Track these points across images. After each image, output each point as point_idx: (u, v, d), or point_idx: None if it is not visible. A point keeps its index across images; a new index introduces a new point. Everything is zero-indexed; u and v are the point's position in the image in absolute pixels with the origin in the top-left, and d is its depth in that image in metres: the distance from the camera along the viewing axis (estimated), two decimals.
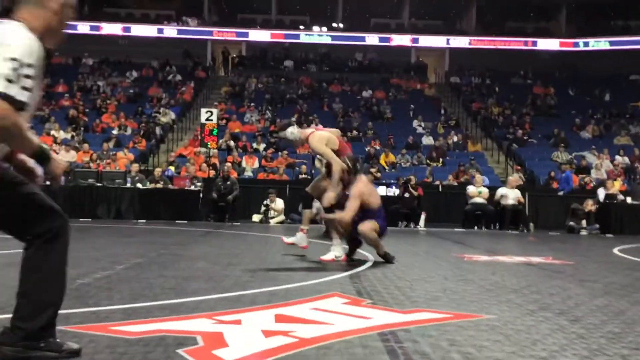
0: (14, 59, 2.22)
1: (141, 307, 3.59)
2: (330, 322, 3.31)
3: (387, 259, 6.35)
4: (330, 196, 6.45)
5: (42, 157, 2.43)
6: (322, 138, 6.55)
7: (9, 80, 2.21)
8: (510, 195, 14.14)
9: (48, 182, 2.55)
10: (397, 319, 3.44)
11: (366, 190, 6.41)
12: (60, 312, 2.52)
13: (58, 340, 2.50)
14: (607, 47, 29.58)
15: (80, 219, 12.75)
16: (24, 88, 2.24)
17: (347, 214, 6.22)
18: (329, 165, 6.65)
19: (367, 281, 4.94)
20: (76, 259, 4.67)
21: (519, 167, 17.78)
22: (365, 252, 7.08)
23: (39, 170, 2.63)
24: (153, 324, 3.12)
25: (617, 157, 18.64)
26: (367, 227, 6.28)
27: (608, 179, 16.09)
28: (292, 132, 6.71)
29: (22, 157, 2.59)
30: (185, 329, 3.01)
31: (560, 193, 15.99)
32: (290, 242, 6.95)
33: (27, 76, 2.25)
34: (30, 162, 2.61)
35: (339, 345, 2.80)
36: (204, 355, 2.56)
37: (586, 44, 29.98)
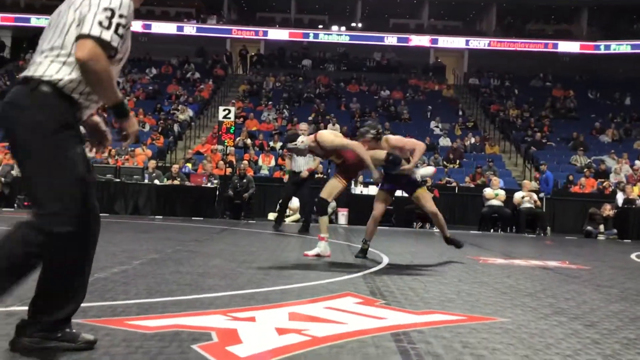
0: (108, 8, 2.39)
1: (157, 302, 3.62)
2: (344, 321, 3.32)
3: (455, 243, 6.97)
4: (375, 177, 6.61)
5: (123, 111, 2.55)
6: (331, 132, 6.89)
7: (103, 26, 2.37)
8: (526, 198, 14.06)
9: (122, 139, 2.62)
10: (410, 320, 3.44)
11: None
12: None
13: (74, 330, 2.54)
14: (628, 50, 29.25)
15: None
16: (117, 35, 2.40)
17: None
18: (340, 158, 6.71)
19: (380, 281, 4.94)
20: None
21: (538, 174, 17.61)
22: (377, 251, 7.08)
23: (110, 135, 2.73)
24: (168, 319, 3.15)
25: (637, 162, 18.40)
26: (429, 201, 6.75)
27: (627, 183, 15.92)
28: (302, 140, 6.79)
29: (97, 119, 2.69)
30: (200, 325, 3.04)
31: (541, 195, 15.84)
32: (314, 255, 6.64)
33: (119, 25, 2.41)
34: (104, 125, 2.71)
35: (351, 345, 2.81)
36: (218, 351, 2.59)
37: (607, 47, 29.67)
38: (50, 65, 2.41)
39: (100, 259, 5.24)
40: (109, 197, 13.82)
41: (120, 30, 2.41)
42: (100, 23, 2.36)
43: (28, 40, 29.41)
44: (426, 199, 6.80)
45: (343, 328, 3.15)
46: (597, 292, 4.94)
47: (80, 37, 2.35)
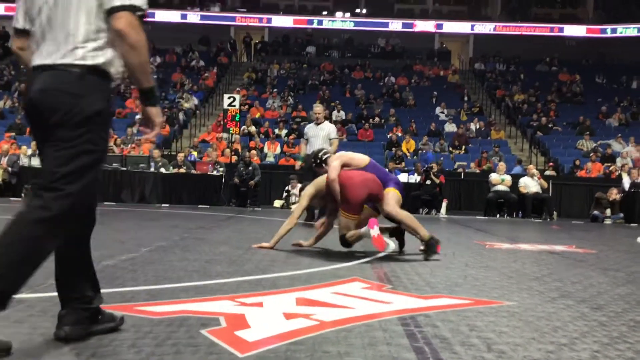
0: None
1: (165, 288, 3.65)
2: (351, 306, 3.33)
3: (431, 244, 5.46)
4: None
5: (154, 96, 2.36)
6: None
7: None
8: (531, 183, 14.05)
9: (143, 128, 2.42)
10: (417, 304, 3.45)
11: (343, 155, 5.95)
12: None
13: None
14: (635, 33, 29.03)
15: (105, 203, 12.93)
16: None
17: (331, 173, 5.61)
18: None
19: (387, 267, 4.96)
20: (101, 241, 4.75)
21: (552, 164, 17.51)
22: (384, 238, 7.08)
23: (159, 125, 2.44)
24: (177, 305, 3.17)
25: None
26: (391, 204, 5.64)
27: (634, 167, 15.87)
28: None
29: (152, 109, 2.42)
30: (208, 310, 3.06)
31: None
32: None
33: None
34: (154, 114, 2.42)
35: (359, 329, 2.83)
36: (227, 335, 2.61)
37: (614, 31, 29.45)
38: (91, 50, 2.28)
39: (108, 246, 5.28)
40: (115, 185, 13.87)
41: None
42: None
43: None
44: (389, 203, 5.78)
45: (350, 312, 3.17)
46: (604, 276, 4.94)
47: (113, 9, 2.25)
